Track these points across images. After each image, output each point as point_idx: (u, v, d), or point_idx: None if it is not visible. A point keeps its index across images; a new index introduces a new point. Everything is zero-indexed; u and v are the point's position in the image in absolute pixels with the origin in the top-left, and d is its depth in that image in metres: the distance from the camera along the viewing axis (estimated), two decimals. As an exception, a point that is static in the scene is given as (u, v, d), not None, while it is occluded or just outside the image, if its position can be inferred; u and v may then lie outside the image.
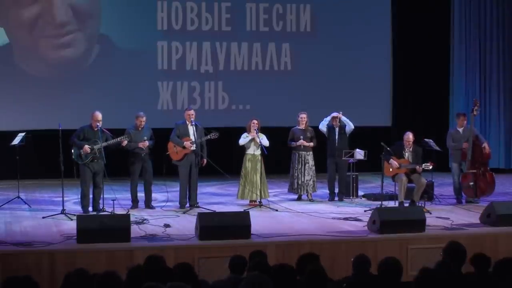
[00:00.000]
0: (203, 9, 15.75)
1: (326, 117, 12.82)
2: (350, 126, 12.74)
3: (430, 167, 11.68)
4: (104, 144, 11.22)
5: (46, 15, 14.94)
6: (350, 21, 16.25)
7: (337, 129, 12.73)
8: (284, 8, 16.12)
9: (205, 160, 11.90)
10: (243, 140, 12.23)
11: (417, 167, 11.71)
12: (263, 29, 16.07)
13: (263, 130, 12.44)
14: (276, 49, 16.11)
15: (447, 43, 16.73)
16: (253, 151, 12.22)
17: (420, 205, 11.56)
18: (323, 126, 12.78)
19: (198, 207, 11.66)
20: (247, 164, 12.25)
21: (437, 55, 16.73)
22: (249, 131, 12.28)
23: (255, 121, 12.26)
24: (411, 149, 12.01)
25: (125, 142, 11.43)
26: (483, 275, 6.00)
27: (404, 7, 16.51)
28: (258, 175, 12.08)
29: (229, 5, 15.85)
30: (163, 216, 11.03)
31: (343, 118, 12.73)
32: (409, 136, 12.03)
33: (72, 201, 12.17)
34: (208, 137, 11.85)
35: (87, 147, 11.14)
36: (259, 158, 12.16)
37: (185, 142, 11.75)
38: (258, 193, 12.03)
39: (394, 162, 11.85)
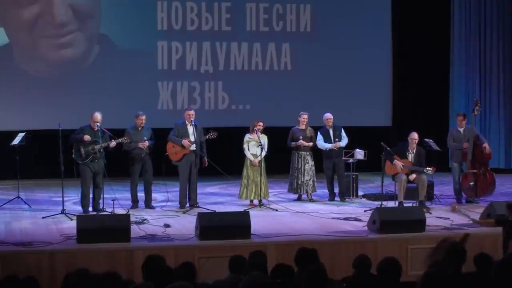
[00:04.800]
0: (203, 9, 15.76)
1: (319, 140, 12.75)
2: (345, 141, 12.70)
3: (431, 172, 11.68)
4: (104, 144, 11.21)
5: (46, 15, 14.94)
6: (350, 21, 16.25)
7: (331, 130, 12.71)
8: (284, 8, 16.12)
9: (206, 161, 11.88)
10: (246, 149, 12.20)
11: (423, 169, 11.69)
12: (263, 29, 16.07)
13: (263, 130, 12.42)
14: (276, 49, 16.11)
15: (447, 43, 16.73)
16: (255, 151, 12.22)
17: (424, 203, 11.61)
18: (320, 141, 12.69)
19: (198, 207, 11.66)
20: (248, 164, 12.25)
21: (437, 55, 16.73)
22: (252, 132, 12.29)
23: (261, 123, 12.23)
24: (414, 150, 11.97)
25: (113, 143, 11.32)
26: (484, 275, 6.00)
27: (404, 7, 16.50)
28: (259, 175, 12.08)
29: (229, 5, 15.86)
30: (163, 216, 11.04)
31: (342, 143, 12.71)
32: (415, 134, 12.00)
33: (72, 201, 12.17)
34: (207, 137, 11.85)
35: (87, 137, 11.11)
36: (260, 158, 12.16)
37: (183, 141, 11.73)
38: (259, 193, 12.04)
39: (398, 163, 11.82)
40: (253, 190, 12.16)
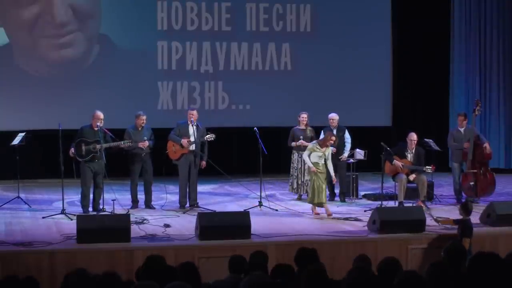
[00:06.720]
0: (203, 9, 15.75)
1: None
2: (348, 147, 12.64)
3: (430, 171, 11.69)
4: (105, 145, 11.19)
5: (46, 15, 14.93)
6: (350, 21, 16.24)
7: (334, 131, 12.67)
8: (284, 8, 16.12)
9: (204, 163, 11.82)
10: (307, 155, 11.52)
11: (422, 168, 11.70)
12: (263, 29, 16.06)
13: (262, 130, 12.38)
14: (276, 49, 16.10)
15: (447, 42, 16.73)
16: (317, 160, 11.43)
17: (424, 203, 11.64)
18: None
19: (198, 207, 11.66)
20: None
21: (437, 55, 16.73)
22: (323, 146, 11.46)
23: (334, 138, 11.64)
24: (413, 151, 11.97)
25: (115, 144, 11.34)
26: (484, 275, 5.99)
27: (404, 7, 16.50)
28: (319, 179, 11.47)
29: (229, 5, 15.85)
30: (163, 216, 11.04)
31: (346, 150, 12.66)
32: (413, 135, 12.00)
33: (72, 201, 12.16)
34: (205, 139, 11.81)
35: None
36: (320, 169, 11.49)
37: (182, 140, 11.72)
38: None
39: (398, 163, 11.82)
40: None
